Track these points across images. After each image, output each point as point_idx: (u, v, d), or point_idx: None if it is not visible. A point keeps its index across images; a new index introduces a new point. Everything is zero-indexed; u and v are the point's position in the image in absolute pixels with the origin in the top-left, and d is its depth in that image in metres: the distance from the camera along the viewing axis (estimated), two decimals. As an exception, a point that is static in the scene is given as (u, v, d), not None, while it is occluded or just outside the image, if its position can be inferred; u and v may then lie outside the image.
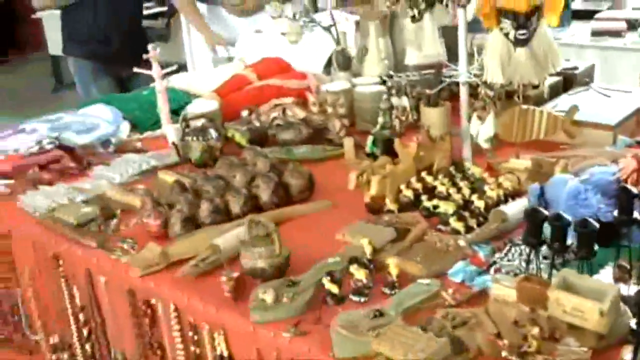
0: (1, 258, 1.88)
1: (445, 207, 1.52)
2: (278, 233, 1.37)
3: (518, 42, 1.69)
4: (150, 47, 2.18)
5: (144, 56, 2.16)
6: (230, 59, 2.85)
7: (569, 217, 1.22)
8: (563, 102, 2.07)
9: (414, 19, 1.95)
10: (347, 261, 1.32)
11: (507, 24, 1.69)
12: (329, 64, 2.56)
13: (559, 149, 1.83)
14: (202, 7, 3.40)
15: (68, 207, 1.70)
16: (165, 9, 7.59)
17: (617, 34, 3.68)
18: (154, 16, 7.66)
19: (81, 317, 1.72)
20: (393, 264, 1.30)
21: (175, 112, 2.26)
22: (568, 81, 2.28)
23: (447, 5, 1.74)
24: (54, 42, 7.44)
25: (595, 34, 3.72)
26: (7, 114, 6.88)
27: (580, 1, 4.31)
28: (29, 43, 9.95)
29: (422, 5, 1.80)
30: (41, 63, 8.88)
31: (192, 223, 1.55)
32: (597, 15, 3.90)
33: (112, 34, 3.19)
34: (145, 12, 7.14)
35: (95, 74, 3.24)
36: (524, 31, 1.68)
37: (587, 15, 3.97)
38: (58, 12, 3.35)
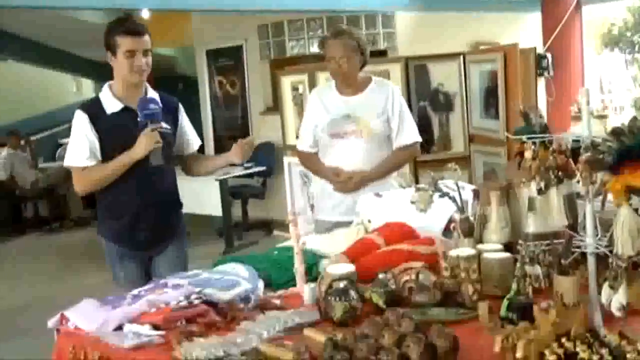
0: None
1: (592, 373, 1.60)
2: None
3: (647, 217, 1.84)
4: (289, 211, 2.39)
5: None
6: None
7: None
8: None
9: (540, 191, 2.13)
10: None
11: (636, 200, 1.83)
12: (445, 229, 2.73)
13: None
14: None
15: (229, 358, 1.85)
16: (262, 168, 7.98)
17: None
18: (250, 175, 8.06)
19: None
20: None
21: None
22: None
23: (578, 182, 1.89)
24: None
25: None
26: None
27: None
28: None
29: (553, 181, 1.98)
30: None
31: (350, 378, 1.67)
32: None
33: (145, 224, 3.25)
34: (242, 171, 7.61)
35: (121, 258, 3.29)
36: (652, 207, 1.83)
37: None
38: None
